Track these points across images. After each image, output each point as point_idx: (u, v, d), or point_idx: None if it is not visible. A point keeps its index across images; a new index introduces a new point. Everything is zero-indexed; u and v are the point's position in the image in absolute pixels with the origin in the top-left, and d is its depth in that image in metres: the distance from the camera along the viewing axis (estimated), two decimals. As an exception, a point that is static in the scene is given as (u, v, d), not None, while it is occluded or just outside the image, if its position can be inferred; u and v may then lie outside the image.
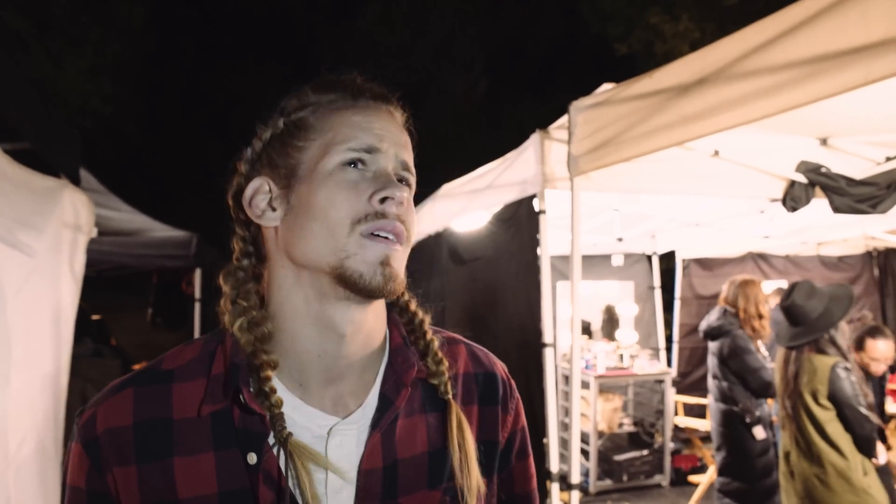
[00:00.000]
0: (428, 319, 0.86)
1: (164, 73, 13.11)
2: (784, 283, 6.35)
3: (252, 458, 0.71)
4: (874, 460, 2.77)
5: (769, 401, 3.68)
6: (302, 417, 0.74)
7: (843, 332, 2.86)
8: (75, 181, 2.17)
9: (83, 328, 3.00)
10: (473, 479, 0.78)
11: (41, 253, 1.70)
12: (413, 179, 0.79)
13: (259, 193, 0.77)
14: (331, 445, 0.74)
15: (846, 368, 2.74)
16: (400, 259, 0.75)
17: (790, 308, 2.93)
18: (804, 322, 2.89)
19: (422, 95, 15.12)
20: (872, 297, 6.65)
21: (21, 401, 1.47)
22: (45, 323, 1.85)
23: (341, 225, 0.71)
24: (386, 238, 0.72)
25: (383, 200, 0.72)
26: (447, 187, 3.90)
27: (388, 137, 0.76)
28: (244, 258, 0.80)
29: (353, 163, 0.74)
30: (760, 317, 3.63)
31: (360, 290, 0.71)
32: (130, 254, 4.70)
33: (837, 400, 2.72)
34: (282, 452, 0.70)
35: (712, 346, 3.70)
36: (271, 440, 0.71)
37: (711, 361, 3.71)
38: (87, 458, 0.72)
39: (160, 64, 12.79)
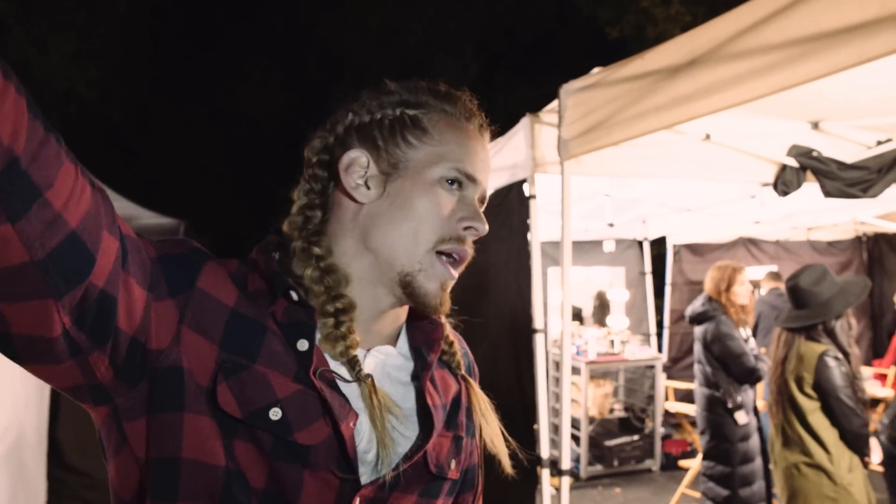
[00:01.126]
0: (447, 306, 0.90)
1: (149, 58, 12.93)
2: (775, 268, 6.38)
3: (303, 344, 0.73)
4: (866, 459, 2.67)
5: (759, 386, 3.69)
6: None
7: (846, 327, 2.73)
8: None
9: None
10: (500, 444, 0.90)
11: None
12: (483, 208, 0.85)
13: (356, 164, 0.80)
14: (366, 365, 0.79)
15: (836, 358, 2.62)
16: (451, 285, 0.83)
17: (793, 289, 2.82)
18: (805, 306, 2.77)
19: (412, 80, 14.98)
20: (862, 281, 6.68)
21: (1, 391, 1.43)
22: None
23: (427, 240, 0.78)
24: (453, 261, 0.80)
25: (467, 228, 0.80)
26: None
27: (484, 171, 0.84)
28: (316, 209, 0.83)
29: (453, 181, 0.80)
30: (728, 299, 3.61)
31: (419, 303, 0.79)
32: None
33: (823, 390, 2.61)
34: (362, 386, 0.75)
35: (697, 331, 3.71)
36: (350, 379, 0.75)
37: (696, 347, 3.72)
38: (185, 272, 0.72)
39: (146, 49, 12.61)
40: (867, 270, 6.72)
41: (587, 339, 5.35)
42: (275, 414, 0.69)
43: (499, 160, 3.07)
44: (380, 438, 0.74)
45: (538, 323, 2.73)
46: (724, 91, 1.74)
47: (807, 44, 1.48)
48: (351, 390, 0.75)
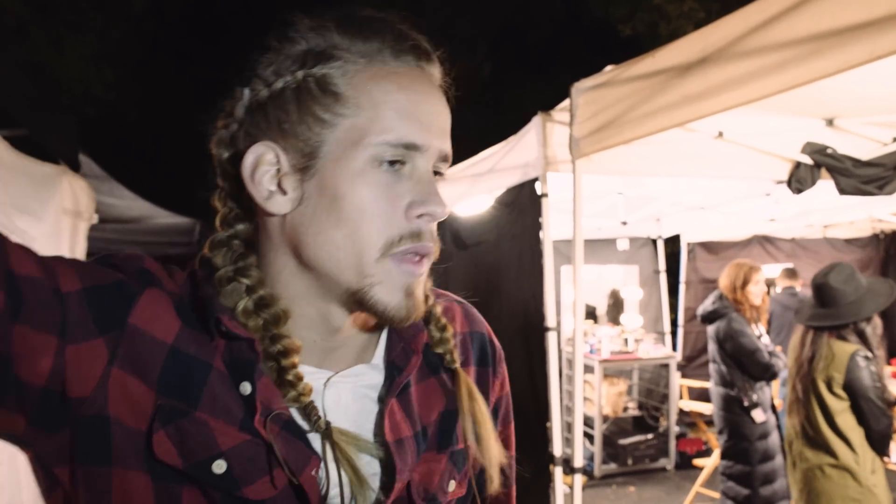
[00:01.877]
0: (429, 284, 0.75)
1: (165, 59, 13.07)
2: (791, 265, 6.32)
3: (246, 387, 0.61)
4: (886, 459, 2.66)
5: (775, 383, 3.67)
6: None
7: (876, 327, 2.72)
8: (74, 167, 2.17)
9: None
10: (494, 452, 0.73)
11: (39, 240, 1.70)
12: (447, 165, 0.69)
13: (262, 164, 0.63)
14: (327, 397, 0.67)
15: (867, 358, 2.60)
16: (423, 281, 0.67)
17: (822, 287, 2.78)
18: (832, 304, 2.73)
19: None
20: (879, 279, 6.61)
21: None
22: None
23: (372, 246, 0.62)
24: (414, 259, 0.64)
25: (420, 216, 0.64)
26: (449, 172, 3.86)
27: (434, 127, 0.64)
28: (237, 222, 0.68)
29: (390, 161, 0.62)
30: (743, 297, 3.59)
31: (380, 318, 0.65)
32: (134, 241, 4.70)
33: (853, 390, 2.58)
34: (324, 442, 0.63)
35: (710, 330, 3.69)
36: (308, 430, 0.64)
37: (710, 346, 3.70)
38: (110, 337, 0.59)
39: (161, 49, 12.74)
40: (885, 268, 6.65)
41: (601, 338, 5.34)
42: (218, 467, 0.59)
43: (511, 159, 3.07)
44: (353, 486, 0.63)
45: (550, 321, 2.73)
46: (736, 89, 1.74)
47: (817, 41, 1.48)
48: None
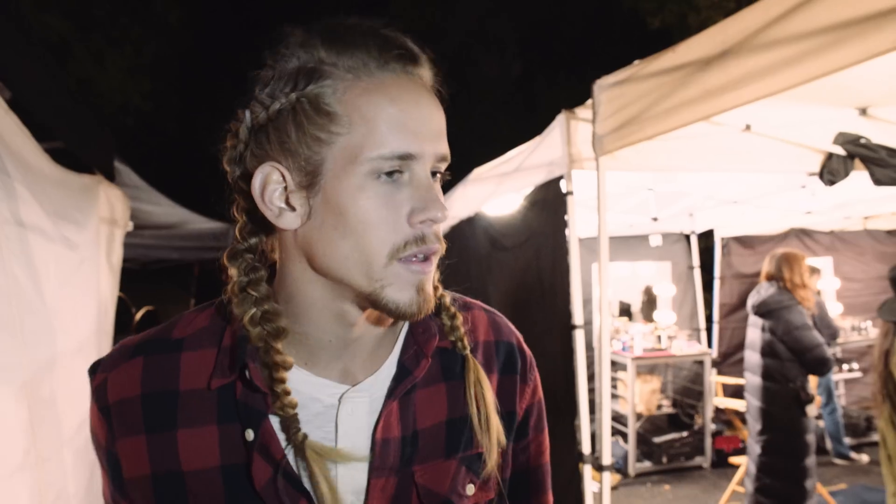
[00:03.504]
0: (437, 276, 0.78)
1: (201, 70, 13.38)
2: (826, 261, 6.16)
3: (249, 434, 0.68)
4: None
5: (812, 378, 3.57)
6: (310, 389, 0.72)
7: None
8: (109, 177, 2.25)
9: (126, 321, 3.11)
10: (493, 433, 0.76)
11: (83, 247, 1.78)
12: (447, 165, 0.71)
13: (270, 183, 0.67)
14: (342, 414, 0.71)
15: None
16: (431, 279, 0.70)
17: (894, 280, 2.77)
18: None
19: (455, 79, 15.03)
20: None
21: (71, 388, 1.53)
22: (91, 314, 1.93)
23: (379, 254, 0.65)
24: (421, 260, 0.68)
25: (423, 222, 0.67)
26: (477, 171, 3.90)
27: (427, 133, 0.66)
28: (251, 236, 0.73)
29: (388, 172, 0.65)
30: (805, 287, 3.51)
31: (393, 316, 0.69)
32: (171, 246, 4.84)
33: None
34: (297, 458, 0.68)
35: (762, 322, 3.54)
36: (274, 420, 0.69)
37: (760, 338, 3.55)
38: (104, 421, 0.71)
39: (197, 60, 13.06)
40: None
41: (633, 335, 5.29)
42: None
43: (536, 157, 3.08)
44: (317, 488, 0.67)
45: (577, 319, 2.73)
46: (757, 81, 1.72)
47: (839, 31, 1.45)
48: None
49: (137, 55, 10.13)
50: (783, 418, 3.43)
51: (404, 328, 0.78)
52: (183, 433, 0.69)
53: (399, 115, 0.65)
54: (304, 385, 0.72)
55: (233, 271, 0.72)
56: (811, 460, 3.42)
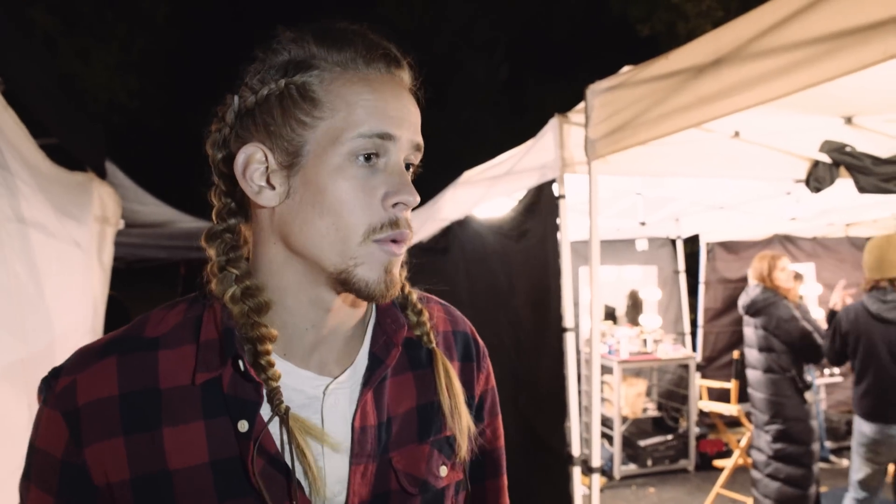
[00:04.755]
0: (404, 273, 0.82)
1: (188, 67, 13.28)
2: (808, 267, 6.25)
3: (243, 425, 0.68)
4: None
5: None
6: (293, 381, 0.73)
7: None
8: (101, 175, 2.24)
9: (122, 320, 3.09)
10: (464, 421, 0.80)
11: (83, 243, 1.77)
12: (421, 155, 0.76)
13: (252, 162, 0.70)
14: (326, 405, 0.73)
15: None
16: (399, 262, 0.74)
17: None
18: None
19: (444, 82, 15.09)
20: (905, 278, 6.49)
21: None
22: (87, 312, 1.92)
23: (355, 233, 0.68)
24: (393, 242, 0.70)
25: (395, 205, 0.70)
26: (468, 174, 3.91)
27: (405, 122, 0.71)
28: (230, 217, 0.75)
29: (367, 156, 0.69)
30: (784, 283, 3.78)
31: (361, 295, 0.71)
32: (158, 245, 4.81)
33: None
34: (279, 425, 0.69)
35: (755, 320, 3.77)
36: (263, 411, 0.69)
37: (755, 335, 3.77)
38: (66, 429, 0.67)
39: (184, 58, 12.96)
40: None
41: (619, 339, 5.33)
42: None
43: (529, 160, 3.10)
44: (305, 469, 0.69)
45: (568, 321, 2.75)
46: (749, 90, 1.75)
47: (830, 42, 1.49)
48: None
49: (124, 52, 10.03)
50: (788, 405, 3.61)
51: (371, 320, 0.81)
52: (168, 431, 0.68)
53: (379, 102, 0.69)
54: (287, 377, 0.73)
55: (211, 252, 0.74)
56: (816, 446, 3.60)
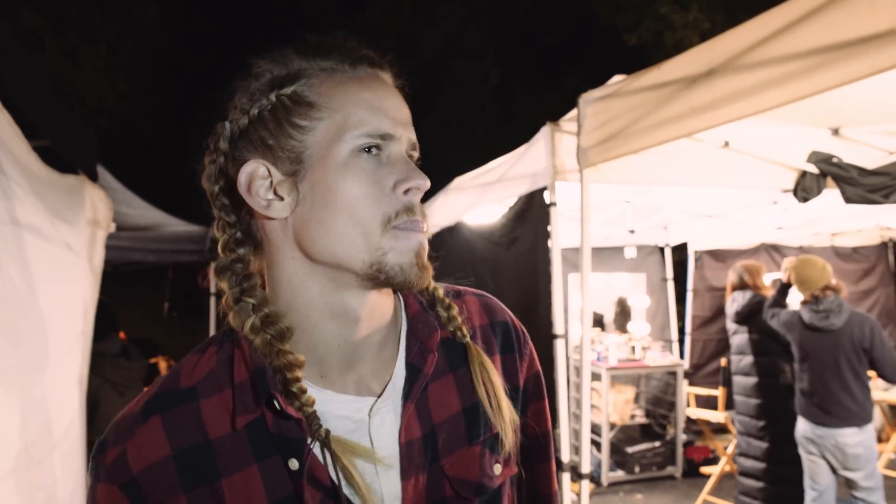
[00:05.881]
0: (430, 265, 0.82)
1: (177, 70, 13.22)
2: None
3: (294, 464, 0.67)
4: None
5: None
6: (335, 409, 0.71)
7: None
8: (93, 177, 2.22)
9: (110, 324, 3.05)
10: (506, 415, 0.78)
11: (75, 246, 1.75)
12: (418, 155, 0.76)
13: (256, 178, 0.70)
14: (373, 426, 0.71)
15: None
16: (426, 249, 0.72)
17: None
18: None
19: (433, 87, 15.12)
20: (888, 288, 6.59)
21: (60, 390, 1.51)
22: (78, 316, 1.90)
23: (374, 223, 0.68)
24: (415, 230, 0.70)
25: (407, 191, 0.70)
26: (459, 180, 3.93)
27: (400, 118, 0.71)
28: (238, 247, 0.74)
29: (368, 148, 0.69)
30: (767, 288, 3.93)
31: (397, 283, 0.69)
32: (146, 249, 4.77)
33: None
34: (324, 451, 0.67)
35: (746, 326, 3.83)
36: (310, 441, 0.68)
37: (748, 340, 3.83)
38: (127, 501, 0.67)
39: (173, 61, 12.90)
40: (894, 276, 6.63)
41: (608, 346, 5.36)
42: None
43: (520, 168, 3.12)
44: (357, 491, 0.67)
45: (558, 328, 2.76)
46: (741, 101, 1.77)
47: (820, 55, 1.51)
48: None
49: (112, 54, 9.96)
50: (782, 408, 3.69)
51: (404, 328, 0.79)
52: (227, 482, 0.67)
53: (374, 99, 0.70)
54: (329, 405, 0.71)
55: (223, 285, 0.72)
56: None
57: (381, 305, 0.75)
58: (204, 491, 0.66)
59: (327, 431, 0.67)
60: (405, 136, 0.72)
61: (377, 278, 0.69)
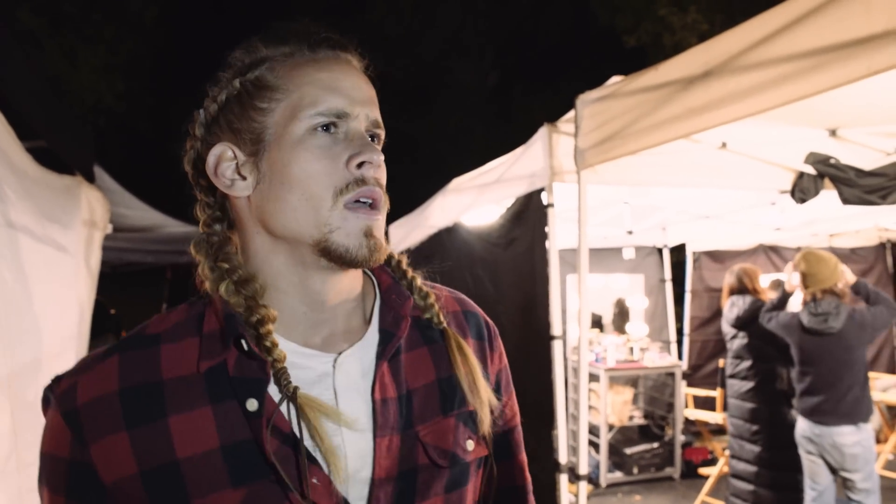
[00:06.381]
0: (405, 260, 0.86)
1: (175, 70, 13.21)
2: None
3: (252, 403, 0.68)
4: None
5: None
6: (300, 359, 0.73)
7: None
8: (90, 178, 2.22)
9: (103, 323, 3.05)
10: (483, 394, 0.80)
11: (69, 248, 1.75)
12: (383, 134, 0.77)
13: (223, 161, 0.74)
14: (338, 379, 0.73)
15: None
16: (381, 226, 0.74)
17: None
18: None
19: (431, 88, 15.12)
20: (886, 288, 6.59)
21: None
22: (73, 317, 1.89)
23: (323, 198, 0.70)
24: (367, 206, 0.71)
25: (361, 165, 0.71)
26: (457, 182, 3.92)
27: (358, 98, 0.73)
28: (214, 223, 0.78)
29: (324, 126, 0.71)
30: (765, 291, 3.94)
31: (346, 263, 0.71)
32: (145, 250, 4.76)
33: None
34: (289, 405, 0.68)
35: (746, 331, 3.82)
36: (272, 392, 0.69)
37: (747, 344, 3.82)
38: (68, 429, 0.67)
39: (172, 61, 12.89)
40: (892, 277, 6.64)
41: (606, 347, 5.36)
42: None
43: (518, 169, 3.12)
44: (327, 456, 0.68)
45: (556, 329, 2.76)
46: (738, 102, 1.77)
47: (817, 56, 1.52)
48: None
49: (111, 54, 9.95)
50: (776, 413, 3.68)
51: (377, 302, 0.81)
52: (174, 420, 0.67)
53: (330, 79, 0.73)
54: (294, 355, 0.72)
55: (200, 256, 0.76)
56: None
57: (347, 282, 0.77)
58: (147, 430, 0.67)
59: (296, 388, 0.68)
60: (363, 114, 0.73)
61: (324, 254, 0.71)
